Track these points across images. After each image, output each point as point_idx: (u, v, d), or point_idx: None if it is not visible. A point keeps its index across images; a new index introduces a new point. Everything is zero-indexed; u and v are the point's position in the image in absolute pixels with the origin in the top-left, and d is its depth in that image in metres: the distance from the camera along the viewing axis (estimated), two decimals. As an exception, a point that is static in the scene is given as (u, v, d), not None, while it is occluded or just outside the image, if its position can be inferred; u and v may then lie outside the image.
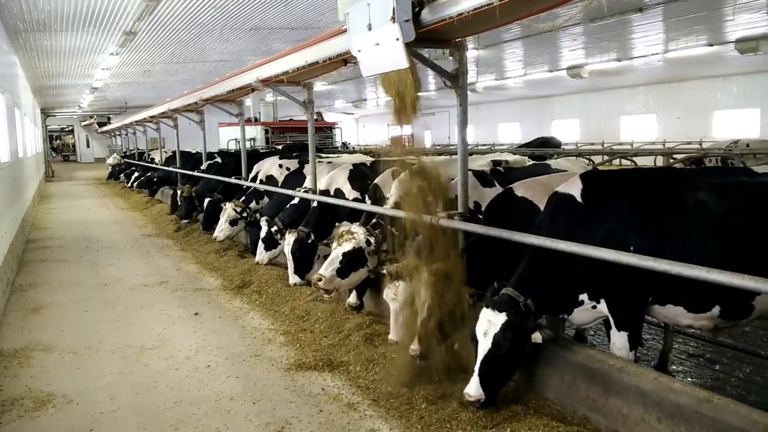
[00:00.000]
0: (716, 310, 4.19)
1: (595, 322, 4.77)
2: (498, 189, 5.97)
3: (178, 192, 13.67)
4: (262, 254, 8.57)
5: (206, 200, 11.68)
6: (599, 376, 4.15)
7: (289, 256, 7.50)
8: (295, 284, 7.53)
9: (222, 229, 9.99)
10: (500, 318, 4.09)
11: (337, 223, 7.90)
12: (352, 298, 6.72)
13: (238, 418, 4.55)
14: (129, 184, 22.13)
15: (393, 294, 5.16)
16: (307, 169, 9.60)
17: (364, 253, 6.20)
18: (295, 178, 9.70)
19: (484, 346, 4.11)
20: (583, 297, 4.46)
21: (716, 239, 4.18)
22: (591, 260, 4.09)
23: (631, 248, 4.11)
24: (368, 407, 4.59)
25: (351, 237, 6.21)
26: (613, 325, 4.37)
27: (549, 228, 4.45)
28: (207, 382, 5.22)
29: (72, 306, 7.74)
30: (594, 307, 4.46)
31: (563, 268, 4.37)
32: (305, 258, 7.49)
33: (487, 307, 4.17)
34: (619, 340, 4.35)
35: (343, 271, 6.13)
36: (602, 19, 14.24)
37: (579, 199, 4.47)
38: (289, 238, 7.43)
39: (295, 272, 7.50)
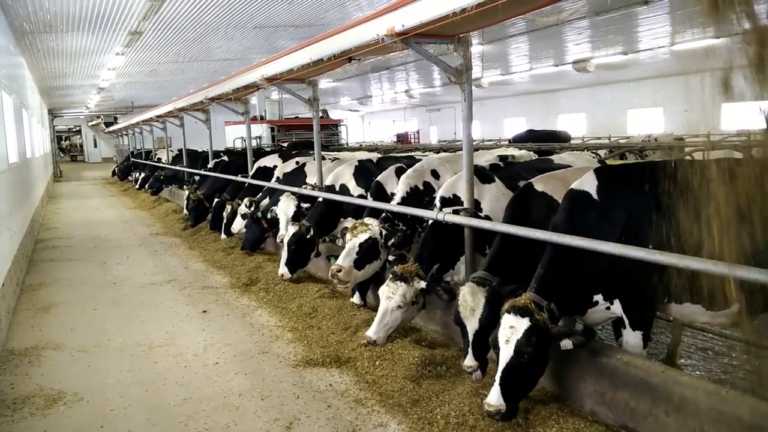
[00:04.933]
0: (735, 307, 4.07)
1: (606, 322, 4.72)
2: (498, 184, 5.92)
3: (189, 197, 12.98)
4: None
5: (215, 201, 11.71)
6: (607, 370, 4.14)
7: (285, 247, 7.55)
8: (282, 275, 7.58)
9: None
10: (523, 323, 3.91)
11: (342, 219, 7.92)
12: (356, 299, 6.74)
13: (247, 414, 4.58)
14: (137, 186, 22.17)
15: (390, 293, 5.14)
16: (308, 168, 9.65)
17: (378, 245, 6.23)
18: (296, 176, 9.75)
19: (506, 353, 3.93)
20: (598, 298, 4.40)
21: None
22: (607, 260, 4.02)
23: (650, 246, 4.01)
24: (376, 403, 4.61)
25: (366, 228, 6.24)
26: (627, 325, 4.32)
27: (564, 225, 4.38)
28: (216, 378, 5.26)
29: (81, 304, 7.80)
30: (608, 308, 4.41)
31: (581, 267, 4.30)
32: (300, 252, 7.52)
33: (509, 312, 4.00)
34: (633, 339, 4.29)
35: (359, 262, 6.15)
36: (608, 12, 14.16)
37: (594, 195, 4.40)
38: (290, 230, 7.49)
39: (286, 264, 7.54)
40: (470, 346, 4.49)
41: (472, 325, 4.46)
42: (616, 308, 4.38)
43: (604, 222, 4.32)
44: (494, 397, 3.88)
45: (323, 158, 10.11)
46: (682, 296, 4.20)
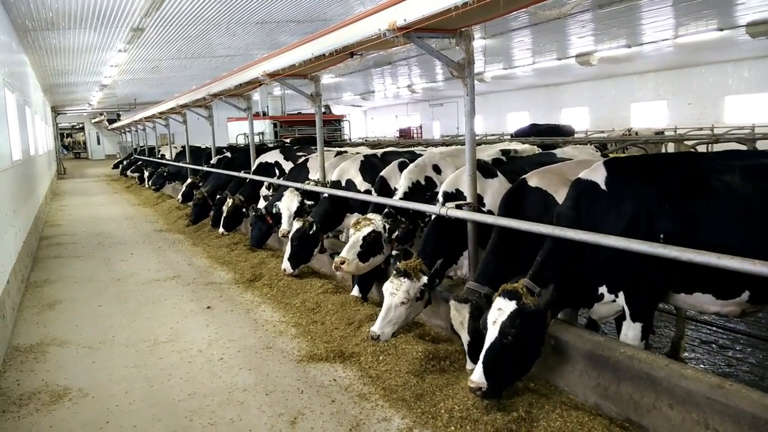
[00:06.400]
0: (745, 295, 4.12)
1: (615, 315, 4.69)
2: (501, 179, 5.91)
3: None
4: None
5: (217, 197, 11.73)
6: (610, 364, 4.14)
7: (288, 243, 7.58)
8: (284, 270, 7.61)
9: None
10: (510, 306, 4.00)
11: (348, 214, 7.93)
12: (356, 292, 6.75)
13: (251, 409, 4.60)
14: (147, 183, 22.25)
15: (394, 289, 5.15)
16: (311, 164, 9.66)
17: (381, 239, 6.26)
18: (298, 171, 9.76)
19: (491, 334, 4.04)
20: (603, 290, 4.39)
21: (749, 223, 4.08)
22: (610, 251, 4.00)
23: (661, 236, 4.03)
24: (380, 397, 4.62)
25: (369, 222, 6.29)
26: (627, 316, 4.31)
27: (570, 217, 4.36)
28: (220, 374, 5.28)
29: (86, 301, 7.83)
30: (614, 301, 4.40)
31: (584, 259, 4.30)
32: (303, 248, 7.54)
33: (500, 295, 4.09)
34: (632, 331, 4.29)
35: (363, 255, 6.20)
36: (611, 5, 14.10)
37: (603, 186, 4.37)
38: (295, 225, 7.52)
39: (289, 259, 7.56)
40: (467, 354, 4.74)
41: (464, 337, 4.65)
42: (621, 301, 4.37)
43: (612, 213, 4.29)
44: (476, 375, 4.01)
45: (341, 153, 10.20)
46: (691, 286, 4.20)
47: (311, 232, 7.45)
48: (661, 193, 4.25)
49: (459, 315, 4.59)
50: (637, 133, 17.01)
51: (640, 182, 4.37)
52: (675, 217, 4.15)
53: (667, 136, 15.74)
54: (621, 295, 4.36)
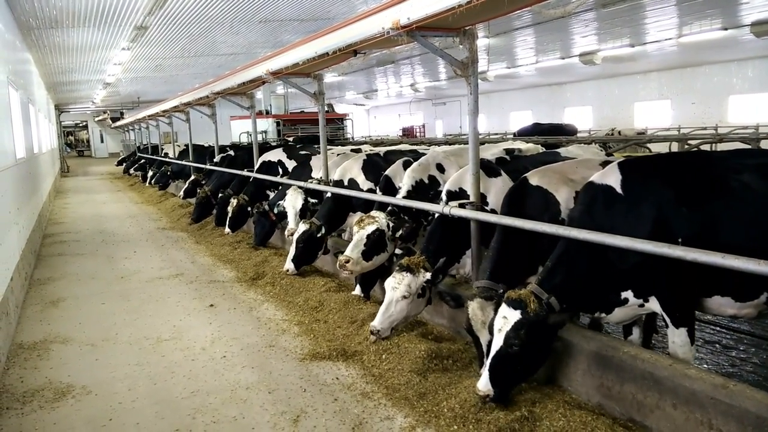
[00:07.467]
0: (763, 297, 4.07)
1: (635, 319, 4.61)
2: (504, 178, 5.89)
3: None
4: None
5: (219, 196, 11.76)
6: (614, 363, 4.13)
7: (293, 244, 7.58)
8: (287, 271, 7.63)
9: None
10: (514, 315, 3.98)
11: (351, 213, 7.93)
12: (358, 291, 6.76)
13: (254, 407, 4.61)
14: (151, 182, 22.31)
15: (396, 283, 5.15)
16: (314, 162, 9.65)
17: (385, 236, 6.27)
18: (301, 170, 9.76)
19: (497, 342, 4.02)
20: (627, 295, 4.26)
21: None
22: (638, 255, 3.90)
23: (679, 240, 3.94)
24: (382, 396, 4.62)
25: (373, 221, 6.30)
26: (669, 324, 4.17)
27: (583, 220, 4.27)
28: (223, 372, 5.28)
29: (89, 299, 7.85)
30: (641, 306, 4.27)
31: (601, 263, 4.19)
32: (309, 251, 7.56)
33: (505, 302, 4.06)
34: (679, 337, 4.14)
35: (367, 253, 6.21)
36: (615, 4, 14.08)
37: (618, 189, 4.27)
38: (301, 227, 7.50)
39: (293, 260, 7.58)
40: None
41: (485, 337, 4.49)
42: (653, 305, 4.24)
43: (629, 217, 4.18)
44: (483, 383, 4.03)
45: (355, 150, 10.22)
46: (712, 289, 4.14)
47: (318, 235, 7.45)
48: (678, 194, 4.14)
49: (483, 314, 4.47)
50: (620, 133, 17.17)
51: (657, 184, 4.25)
52: (694, 220, 4.06)
53: (670, 135, 15.67)
54: (653, 300, 4.22)
